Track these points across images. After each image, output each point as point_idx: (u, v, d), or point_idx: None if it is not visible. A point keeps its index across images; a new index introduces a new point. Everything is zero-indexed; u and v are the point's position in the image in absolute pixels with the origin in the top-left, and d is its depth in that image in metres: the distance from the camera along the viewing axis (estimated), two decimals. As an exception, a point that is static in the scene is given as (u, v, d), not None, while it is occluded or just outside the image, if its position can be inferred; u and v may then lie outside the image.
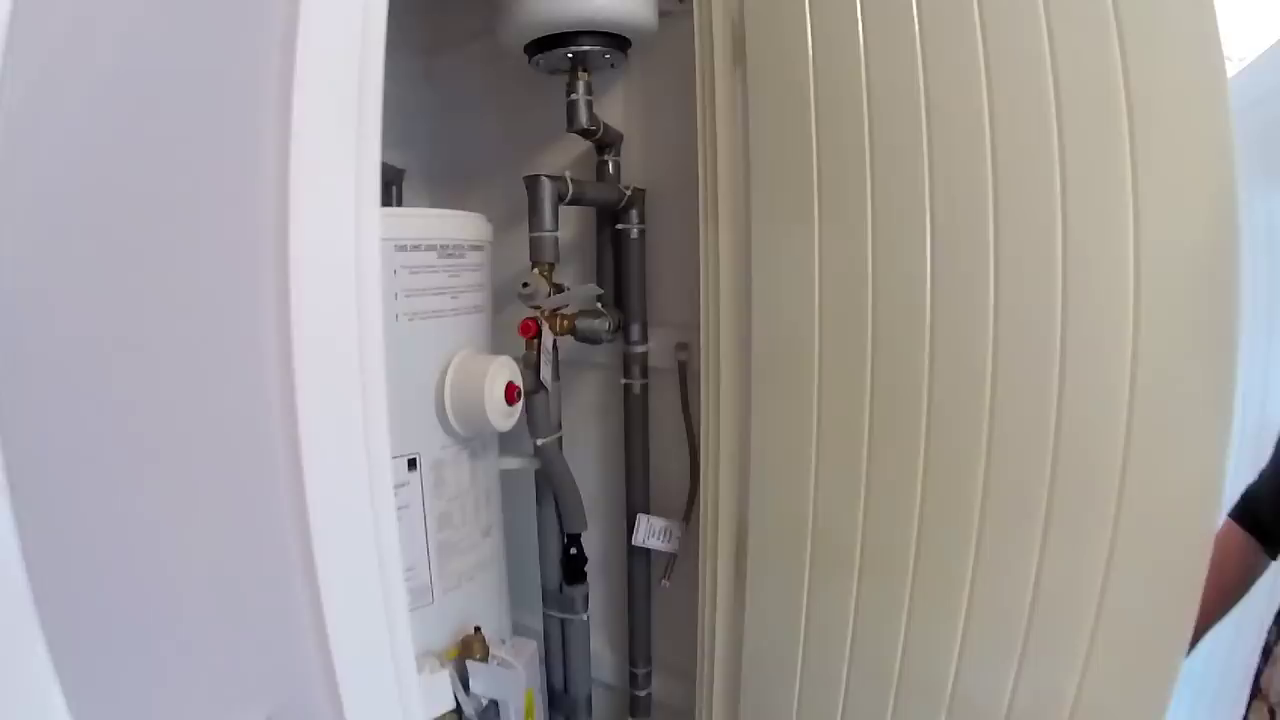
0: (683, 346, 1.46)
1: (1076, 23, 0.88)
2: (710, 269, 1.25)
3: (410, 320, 1.15)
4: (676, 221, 1.47)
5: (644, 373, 1.53)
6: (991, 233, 0.94)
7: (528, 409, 1.31)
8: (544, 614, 1.52)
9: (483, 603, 1.31)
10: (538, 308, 1.30)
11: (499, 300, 1.42)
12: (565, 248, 1.58)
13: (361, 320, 0.54)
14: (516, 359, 1.26)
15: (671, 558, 1.50)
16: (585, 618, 1.49)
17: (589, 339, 1.35)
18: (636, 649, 1.61)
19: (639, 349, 1.51)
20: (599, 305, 1.41)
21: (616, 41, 1.38)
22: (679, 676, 1.50)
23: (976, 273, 0.95)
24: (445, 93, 1.86)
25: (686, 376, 1.46)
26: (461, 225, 1.23)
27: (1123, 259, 0.86)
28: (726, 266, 1.23)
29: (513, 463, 1.39)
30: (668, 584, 1.50)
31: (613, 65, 1.48)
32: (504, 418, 1.19)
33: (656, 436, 1.55)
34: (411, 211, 1.23)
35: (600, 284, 1.53)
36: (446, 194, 1.87)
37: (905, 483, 1.02)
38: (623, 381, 1.53)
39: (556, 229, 1.31)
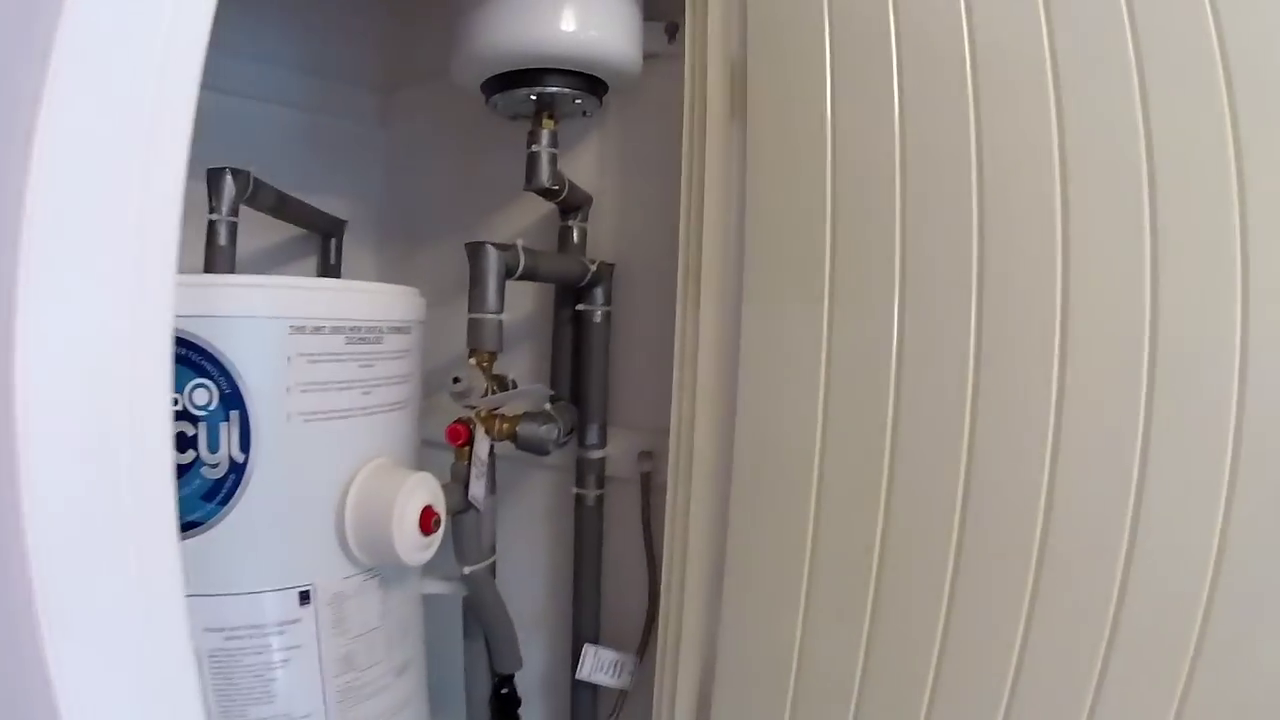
0: (647, 455, 1.25)
1: (1178, 77, 0.69)
2: (687, 358, 1.05)
3: (306, 422, 0.93)
4: (649, 303, 1.27)
5: (600, 482, 1.32)
6: (1058, 328, 0.75)
7: (454, 532, 1.10)
8: None
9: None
10: (472, 408, 1.09)
11: (434, 386, 1.21)
12: (517, 328, 1.38)
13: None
14: (442, 473, 1.05)
15: (621, 695, 1.28)
16: None
17: (533, 448, 1.14)
18: None
19: (596, 454, 1.31)
20: (548, 407, 1.20)
21: (590, 84, 1.20)
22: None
23: (1034, 378, 0.75)
24: (401, 136, 1.66)
25: (650, 490, 1.25)
26: (379, 302, 1.02)
27: (1226, 373, 0.66)
28: (708, 355, 1.03)
29: (437, 587, 1.17)
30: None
31: (585, 113, 1.29)
32: (417, 550, 0.97)
33: (611, 556, 1.33)
34: (311, 283, 1.01)
35: (556, 374, 1.33)
36: (395, 252, 1.67)
37: (922, 628, 0.82)
38: (574, 491, 1.32)
39: (501, 310, 1.10)
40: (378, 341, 1.00)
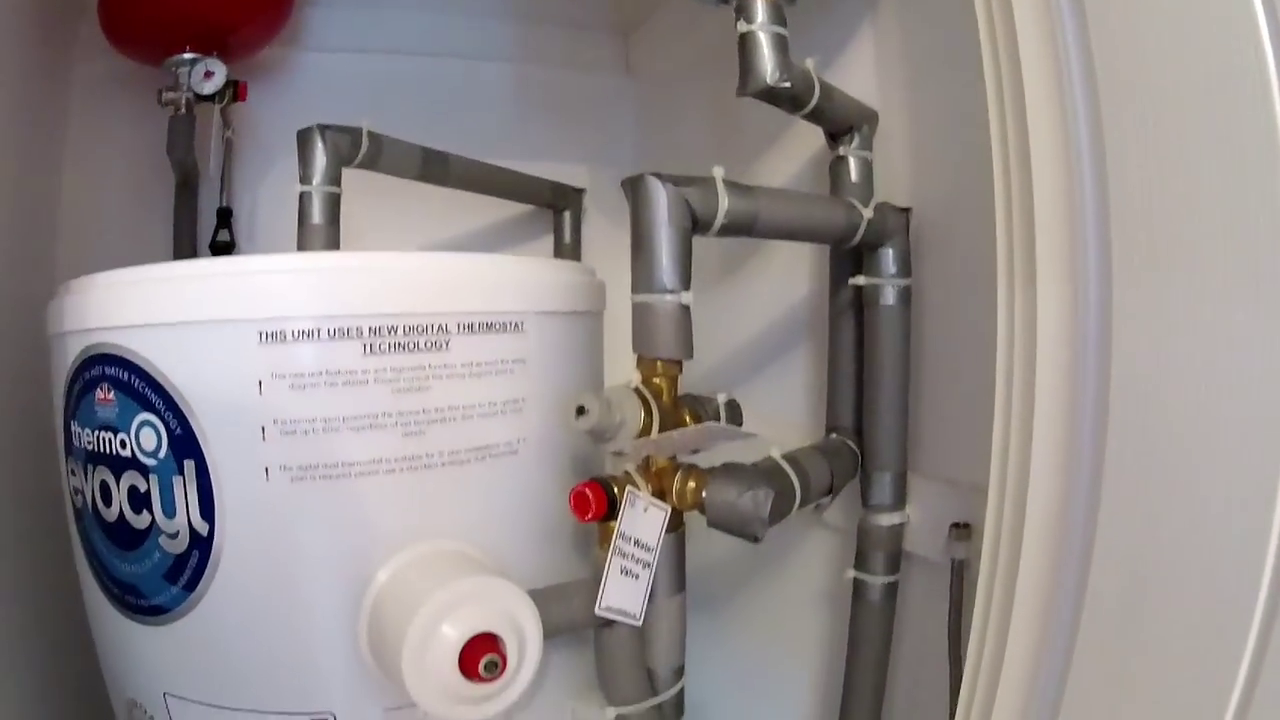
0: (965, 531, 0.70)
1: None
2: (1017, 366, 0.51)
3: (295, 481, 0.58)
4: (974, 273, 0.72)
5: (892, 564, 0.79)
6: None
7: (597, 657, 0.67)
8: None
9: None
10: (619, 454, 0.65)
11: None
12: (781, 323, 0.91)
13: None
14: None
15: None
16: None
17: (730, 527, 0.66)
18: None
19: (886, 520, 0.78)
20: (775, 454, 0.71)
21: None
22: None
23: None
24: (650, 86, 1.31)
25: (963, 584, 0.70)
26: (433, 280, 0.63)
27: None
28: (1048, 363, 0.49)
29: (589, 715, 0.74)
30: None
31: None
32: (452, 702, 0.55)
33: (902, 682, 0.81)
34: (293, 262, 0.63)
35: (834, 391, 0.83)
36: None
37: None
38: (851, 574, 0.80)
39: (684, 286, 0.64)
40: (439, 348, 0.60)
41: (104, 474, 0.62)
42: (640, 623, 0.64)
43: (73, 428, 0.65)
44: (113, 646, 0.68)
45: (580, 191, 1.22)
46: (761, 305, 1.04)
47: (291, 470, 0.57)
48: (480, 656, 0.53)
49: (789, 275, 0.98)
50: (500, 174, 1.05)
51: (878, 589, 0.79)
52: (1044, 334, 0.49)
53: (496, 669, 0.54)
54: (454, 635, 0.53)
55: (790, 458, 0.71)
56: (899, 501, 0.79)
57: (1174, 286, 0.39)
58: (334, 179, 0.84)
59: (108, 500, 0.62)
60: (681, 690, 0.73)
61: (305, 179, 0.83)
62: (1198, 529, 0.39)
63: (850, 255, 0.81)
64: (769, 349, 1.04)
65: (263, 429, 0.56)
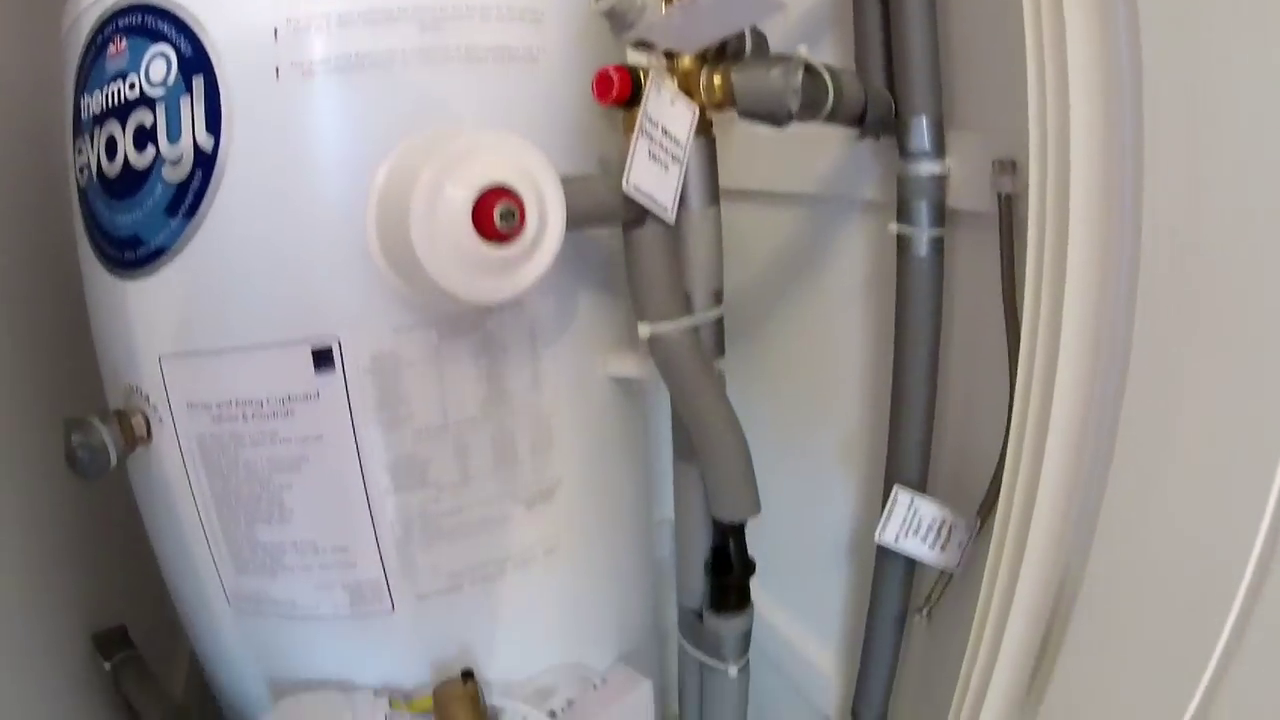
0: (1008, 167, 0.65)
1: None
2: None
3: (306, 77, 0.55)
4: None
5: (938, 216, 0.73)
6: None
7: (627, 260, 0.63)
8: (679, 646, 0.83)
9: (514, 617, 0.69)
10: (641, 45, 0.59)
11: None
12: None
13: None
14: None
15: (944, 577, 0.73)
16: (733, 673, 0.77)
17: (759, 112, 0.61)
18: (867, 696, 0.85)
19: (928, 169, 0.72)
20: (802, 50, 0.64)
21: None
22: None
23: None
24: None
25: (1015, 223, 0.65)
26: None
27: None
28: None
29: (621, 365, 0.71)
30: (926, 618, 0.74)
31: None
32: (465, 267, 0.52)
33: (955, 344, 0.76)
34: None
35: (862, 41, 0.76)
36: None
37: None
38: (894, 228, 0.75)
39: None
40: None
41: (110, 128, 0.60)
42: (671, 218, 0.61)
43: (82, 103, 0.63)
44: (109, 324, 0.67)
45: None
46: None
47: (301, 66, 0.54)
48: (494, 204, 0.50)
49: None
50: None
51: (924, 243, 0.74)
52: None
53: (514, 219, 0.51)
54: (467, 180, 0.50)
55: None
56: (938, 150, 0.74)
57: None
58: None
59: (112, 154, 0.60)
60: (721, 321, 0.70)
61: None
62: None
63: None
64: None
65: (275, 29, 0.54)
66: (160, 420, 0.63)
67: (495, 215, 0.50)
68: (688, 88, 0.62)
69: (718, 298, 0.69)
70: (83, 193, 0.65)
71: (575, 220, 0.56)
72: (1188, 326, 0.42)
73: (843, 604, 0.94)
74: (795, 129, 0.64)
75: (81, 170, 0.64)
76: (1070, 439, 0.49)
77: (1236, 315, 0.39)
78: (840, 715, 0.93)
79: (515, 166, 0.52)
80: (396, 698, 0.65)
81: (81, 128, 0.63)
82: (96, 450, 0.62)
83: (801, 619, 1.01)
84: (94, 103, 0.61)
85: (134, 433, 0.64)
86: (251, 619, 0.68)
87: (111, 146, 0.60)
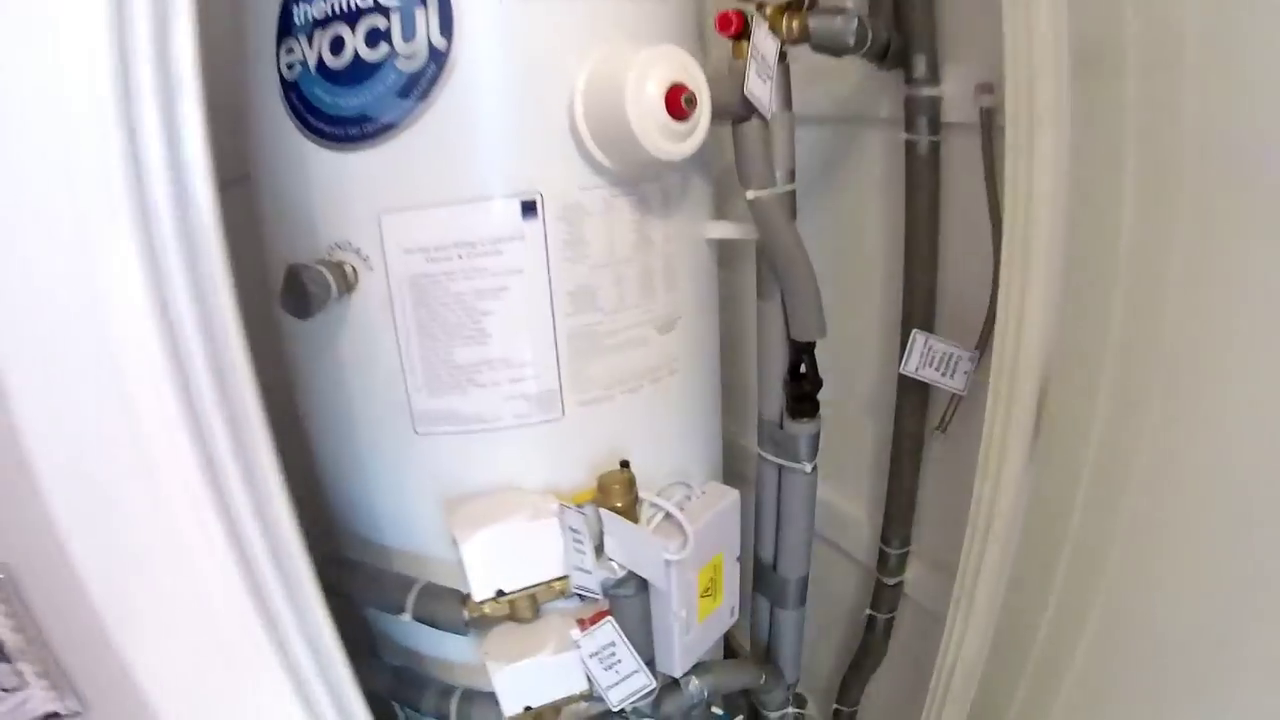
0: (987, 88, 0.89)
1: None
2: None
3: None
4: None
5: (934, 126, 0.99)
6: None
7: (735, 146, 0.84)
8: (758, 454, 1.07)
9: (648, 426, 0.91)
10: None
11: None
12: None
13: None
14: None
15: (954, 400, 1.00)
16: (809, 469, 1.01)
17: (828, 46, 0.85)
18: (893, 521, 1.14)
19: (926, 91, 0.97)
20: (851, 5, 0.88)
21: None
22: (944, 570, 1.00)
23: None
24: None
25: (992, 131, 0.89)
26: None
27: None
28: None
29: (722, 229, 0.93)
30: (942, 434, 1.03)
31: None
32: (666, 136, 0.74)
33: (951, 223, 1.02)
34: None
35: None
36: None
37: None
38: (903, 137, 1.00)
39: None
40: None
41: (337, 29, 0.74)
42: (769, 116, 0.82)
43: (294, 10, 0.76)
44: (311, 190, 0.80)
45: None
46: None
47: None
48: (679, 95, 0.71)
49: None
50: None
51: (924, 146, 0.99)
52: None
53: (694, 104, 0.72)
54: (660, 77, 0.72)
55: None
56: (935, 78, 0.98)
57: None
58: None
59: (338, 50, 0.75)
60: (794, 192, 0.94)
61: None
62: None
63: None
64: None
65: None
66: (371, 268, 0.78)
67: (682, 100, 0.71)
68: (773, 27, 0.83)
69: (792, 175, 0.92)
70: (291, 84, 0.78)
71: (714, 111, 0.78)
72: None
73: (872, 459, 1.21)
74: (829, 64, 0.89)
75: (290, 66, 0.78)
76: (1046, 291, 0.76)
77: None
78: (870, 555, 1.21)
79: (684, 70, 0.73)
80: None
81: (293, 30, 0.77)
82: (322, 287, 0.76)
83: (835, 479, 1.26)
84: (313, 10, 0.75)
85: (346, 278, 0.79)
86: (434, 439, 0.83)
87: (338, 45, 0.74)
